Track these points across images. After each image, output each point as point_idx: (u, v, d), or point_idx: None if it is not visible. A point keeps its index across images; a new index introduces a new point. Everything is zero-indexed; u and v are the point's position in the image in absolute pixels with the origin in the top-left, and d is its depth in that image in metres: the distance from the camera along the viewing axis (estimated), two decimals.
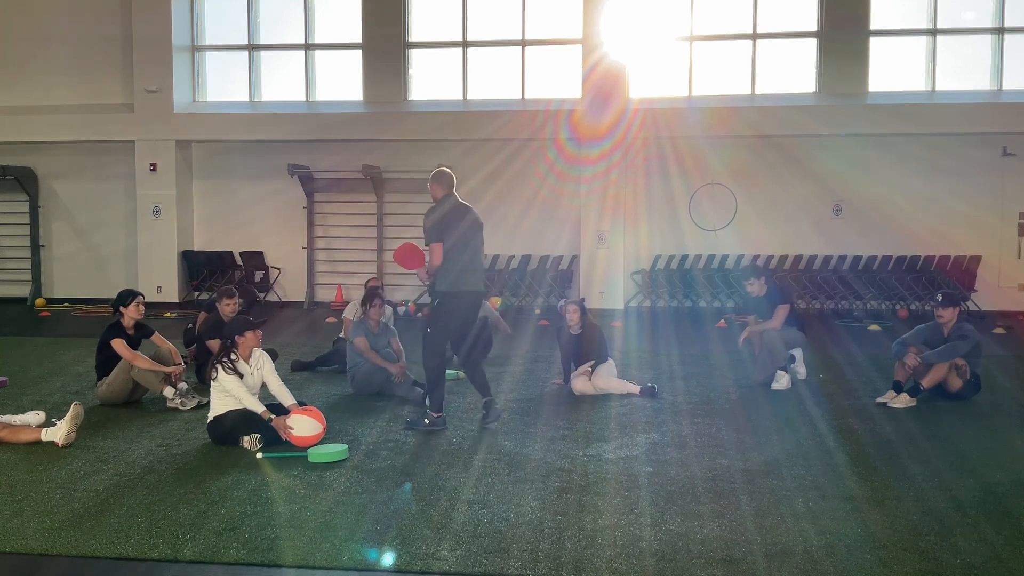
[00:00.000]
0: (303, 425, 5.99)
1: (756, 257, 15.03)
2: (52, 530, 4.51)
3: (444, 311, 6.53)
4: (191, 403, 7.26)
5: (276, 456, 5.79)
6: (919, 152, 14.68)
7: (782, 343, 8.15)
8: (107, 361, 7.46)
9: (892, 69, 14.98)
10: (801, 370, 8.38)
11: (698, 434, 6.42)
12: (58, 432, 6.05)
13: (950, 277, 14.16)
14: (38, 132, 16.06)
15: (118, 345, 7.36)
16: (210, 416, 6.20)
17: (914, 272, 14.45)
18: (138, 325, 7.67)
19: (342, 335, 9.33)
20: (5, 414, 6.53)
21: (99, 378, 7.49)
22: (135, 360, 7.31)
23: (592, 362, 7.96)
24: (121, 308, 7.58)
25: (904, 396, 7.32)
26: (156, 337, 7.74)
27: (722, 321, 13.05)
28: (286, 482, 5.29)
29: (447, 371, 8.69)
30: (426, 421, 6.50)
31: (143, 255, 16.08)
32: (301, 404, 6.27)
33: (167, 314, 14.16)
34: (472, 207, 6.92)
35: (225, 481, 5.29)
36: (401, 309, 14.18)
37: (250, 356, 6.34)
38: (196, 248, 16.53)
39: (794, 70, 15.21)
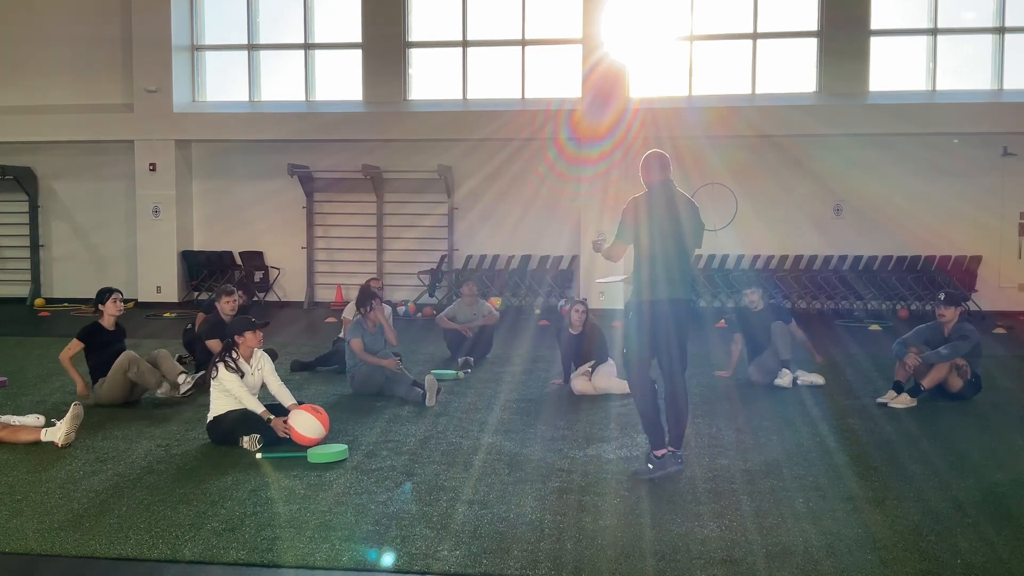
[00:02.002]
0: (307, 425, 5.98)
1: (756, 258, 15.06)
2: (51, 530, 4.50)
3: (633, 324, 5.47)
4: (185, 386, 7.34)
5: (276, 456, 5.78)
6: (919, 152, 14.68)
7: (783, 340, 8.13)
8: (102, 364, 7.43)
9: (892, 69, 14.97)
10: (809, 378, 8.23)
11: (698, 434, 6.41)
12: (57, 432, 6.05)
13: (950, 277, 14.15)
14: (38, 132, 16.06)
15: (72, 344, 7.39)
16: (210, 416, 6.20)
17: (914, 272, 14.44)
18: (117, 326, 7.66)
19: (341, 335, 9.33)
20: (4, 414, 6.51)
21: (95, 379, 7.47)
22: (64, 358, 7.37)
23: (592, 362, 7.95)
24: (100, 306, 7.59)
25: (905, 396, 7.31)
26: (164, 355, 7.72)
27: (722, 321, 13.03)
28: (286, 482, 5.28)
29: (446, 371, 8.75)
30: (649, 466, 5.33)
31: (143, 255, 16.08)
32: (301, 404, 6.26)
33: (167, 314, 14.16)
34: (684, 198, 5.60)
35: (225, 481, 5.28)
36: (401, 309, 14.18)
37: (251, 356, 6.34)
38: (196, 248, 16.53)
39: (794, 70, 15.21)
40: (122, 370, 7.28)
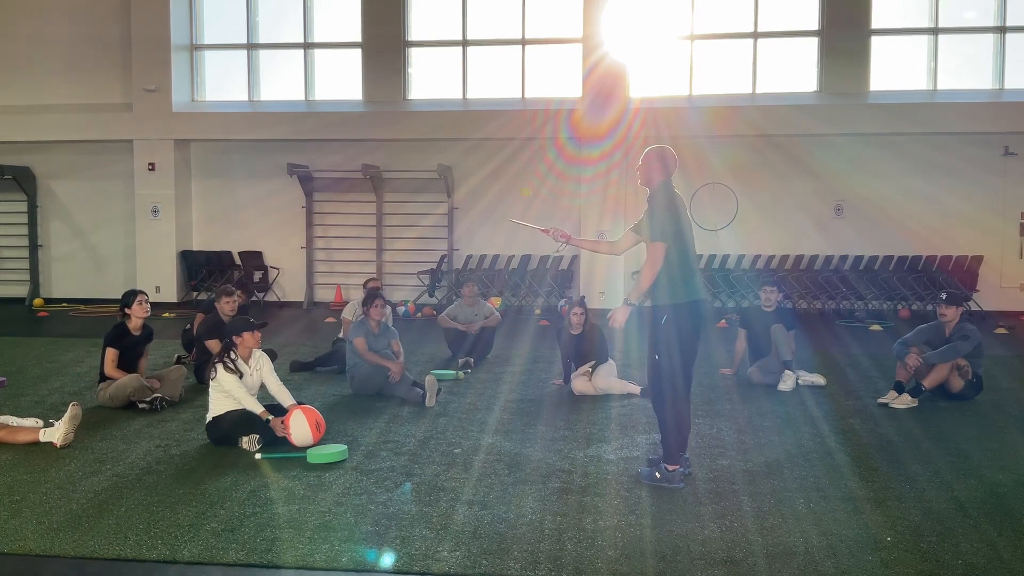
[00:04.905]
0: (299, 431, 5.96)
1: (757, 258, 15.06)
2: (50, 531, 4.49)
3: (673, 328, 5.11)
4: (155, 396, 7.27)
5: (275, 457, 5.77)
6: (920, 152, 14.66)
7: (784, 341, 8.12)
8: (119, 366, 7.40)
9: (893, 68, 14.96)
10: (810, 378, 8.25)
11: (699, 434, 6.40)
12: (56, 433, 6.03)
13: (952, 277, 14.13)
14: (36, 131, 16.04)
15: (109, 356, 7.35)
16: (209, 417, 6.18)
17: (915, 272, 14.42)
18: (145, 327, 7.63)
19: (341, 335, 9.31)
20: (3, 415, 6.50)
21: (102, 379, 7.43)
22: (112, 373, 7.30)
23: (592, 362, 7.93)
24: (126, 309, 7.54)
25: (906, 396, 7.30)
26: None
27: (722, 321, 13.02)
28: (285, 483, 5.27)
29: (446, 372, 8.73)
30: (657, 475, 5.18)
31: (142, 255, 16.06)
32: (300, 405, 6.23)
33: (165, 314, 14.13)
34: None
35: (224, 482, 5.27)
36: (401, 309, 14.16)
37: (249, 357, 6.32)
38: (195, 248, 16.51)
39: (795, 69, 15.19)
40: (125, 394, 7.24)
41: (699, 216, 15.28)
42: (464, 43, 15.87)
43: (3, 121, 16.00)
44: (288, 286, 16.40)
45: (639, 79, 15.16)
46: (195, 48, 16.41)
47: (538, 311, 14.55)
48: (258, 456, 5.79)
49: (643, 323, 5.35)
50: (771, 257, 15.12)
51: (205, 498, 4.97)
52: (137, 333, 7.54)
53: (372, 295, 8.06)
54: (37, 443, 6.04)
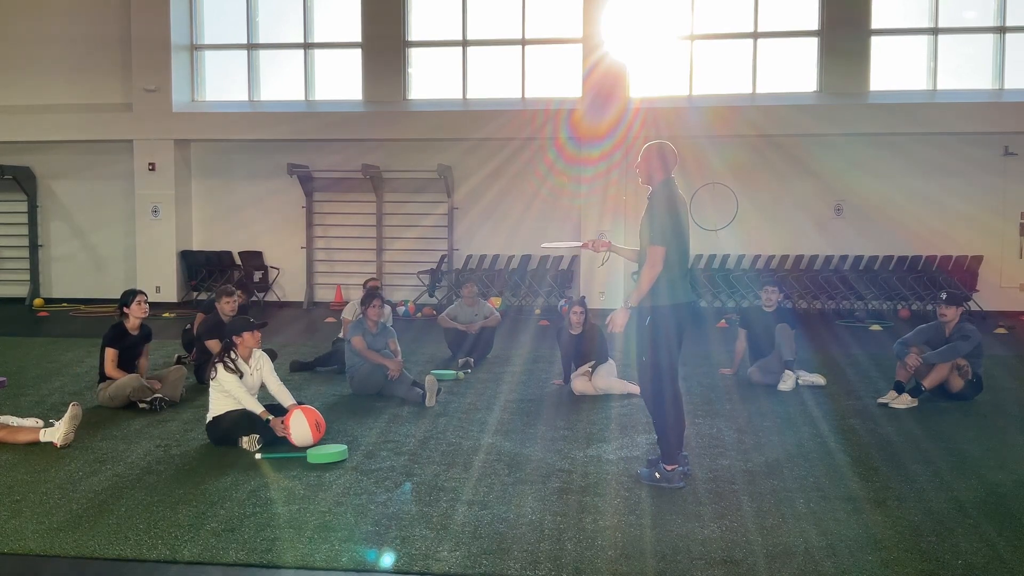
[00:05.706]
0: (300, 431, 5.97)
1: (757, 258, 15.06)
2: (50, 531, 4.49)
3: (673, 327, 5.12)
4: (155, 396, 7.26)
5: (275, 457, 5.77)
6: (920, 152, 14.67)
7: (788, 341, 8.12)
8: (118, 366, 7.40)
9: (893, 68, 14.96)
10: (810, 378, 8.27)
11: (699, 434, 6.40)
12: (56, 433, 6.03)
13: (951, 277, 14.13)
14: (36, 131, 16.03)
15: (108, 356, 7.35)
16: (209, 417, 6.18)
17: (915, 272, 14.42)
18: (143, 327, 7.62)
19: (341, 335, 9.31)
20: (3, 415, 6.50)
21: (101, 379, 7.43)
22: (112, 373, 7.29)
23: (592, 362, 7.94)
24: (124, 309, 7.54)
25: (905, 396, 7.30)
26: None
27: (722, 321, 13.03)
28: (285, 483, 5.27)
29: (446, 371, 8.73)
30: (656, 475, 5.16)
31: (142, 255, 16.06)
32: (300, 405, 6.23)
33: (166, 314, 14.14)
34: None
35: (224, 482, 5.27)
36: (401, 309, 14.16)
37: (249, 357, 6.32)
38: (195, 248, 16.51)
39: (795, 69, 15.19)
40: (125, 393, 7.24)
41: (699, 216, 15.30)
42: (464, 43, 15.87)
43: (3, 121, 16.00)
44: (288, 286, 16.40)
45: (639, 79, 15.16)
46: (195, 48, 16.41)
47: (538, 311, 14.55)
48: (258, 456, 5.79)
49: (672, 328, 5.26)
50: (771, 257, 15.12)
51: (205, 498, 4.98)
52: (135, 333, 7.53)
53: (370, 295, 8.06)
54: (37, 443, 6.04)
